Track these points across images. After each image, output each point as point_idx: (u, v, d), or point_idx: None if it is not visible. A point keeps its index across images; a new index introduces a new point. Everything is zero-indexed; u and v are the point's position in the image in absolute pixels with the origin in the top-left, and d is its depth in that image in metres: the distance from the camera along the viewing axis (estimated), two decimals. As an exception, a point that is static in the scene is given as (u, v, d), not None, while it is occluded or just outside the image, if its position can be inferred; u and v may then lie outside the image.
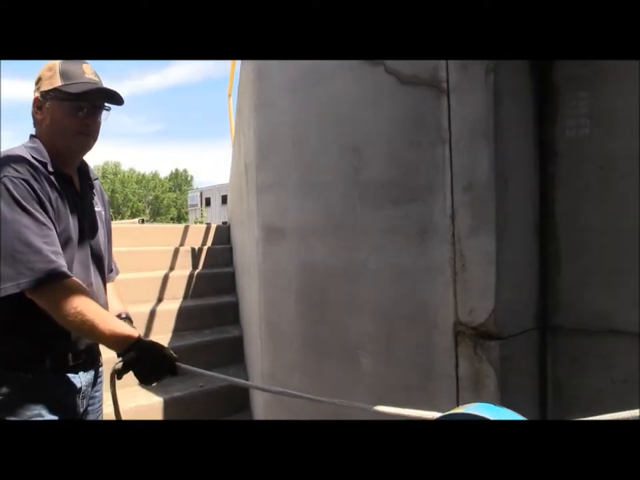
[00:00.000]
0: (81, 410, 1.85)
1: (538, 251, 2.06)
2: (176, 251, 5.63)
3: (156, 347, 1.74)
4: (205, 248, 5.94)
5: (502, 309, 1.86)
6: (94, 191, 2.01)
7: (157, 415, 3.74)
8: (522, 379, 1.95)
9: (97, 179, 2.07)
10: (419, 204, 2.04)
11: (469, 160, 1.90)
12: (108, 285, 2.05)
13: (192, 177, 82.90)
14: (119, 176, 71.79)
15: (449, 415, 1.26)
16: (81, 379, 1.83)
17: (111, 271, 2.13)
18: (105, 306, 1.91)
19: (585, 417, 1.21)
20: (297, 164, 2.64)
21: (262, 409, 3.25)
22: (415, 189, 2.06)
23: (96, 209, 1.98)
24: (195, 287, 5.30)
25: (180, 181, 79.69)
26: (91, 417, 1.91)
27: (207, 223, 6.95)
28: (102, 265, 1.97)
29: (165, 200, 73.86)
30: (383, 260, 2.16)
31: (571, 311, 2.00)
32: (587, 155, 1.97)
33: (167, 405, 3.82)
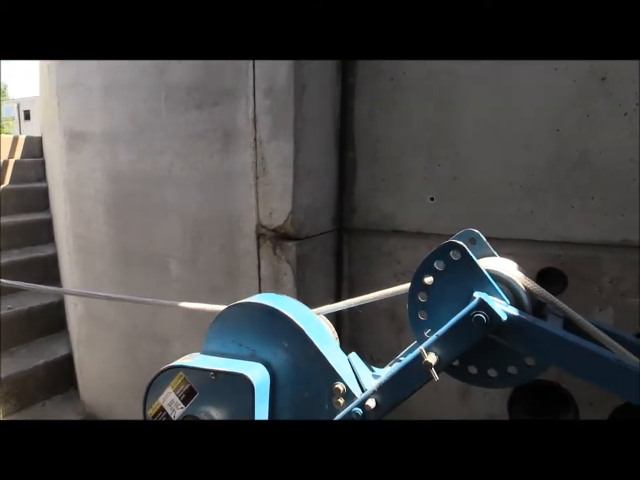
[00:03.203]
0: None
1: (337, 158, 2.18)
2: (-26, 164, 4.96)
3: None
4: (12, 161, 5.31)
5: (300, 211, 1.96)
6: None
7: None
8: (319, 276, 2.12)
9: None
10: (222, 108, 2.02)
11: (270, 64, 1.91)
12: None
13: (6, 86, 72.52)
14: None
15: (235, 304, 1.34)
16: None
17: None
18: None
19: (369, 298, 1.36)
20: (100, 62, 2.43)
21: (76, 325, 3.13)
22: (219, 93, 2.03)
23: None
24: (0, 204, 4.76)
25: (-10, 89, 69.26)
26: None
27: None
28: None
29: (-29, 111, 63.98)
30: (188, 165, 2.13)
31: (364, 214, 2.19)
32: (381, 67, 2.09)
33: (-30, 330, 3.49)
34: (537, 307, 1.16)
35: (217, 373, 1.24)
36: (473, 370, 1.14)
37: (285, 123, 1.89)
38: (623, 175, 1.87)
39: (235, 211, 2.04)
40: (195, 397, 1.25)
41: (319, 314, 1.40)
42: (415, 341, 1.24)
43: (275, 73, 1.89)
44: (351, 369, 1.28)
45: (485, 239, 1.25)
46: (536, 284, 1.12)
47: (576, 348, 1.00)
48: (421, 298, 1.16)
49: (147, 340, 2.51)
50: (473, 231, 1.26)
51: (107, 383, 2.83)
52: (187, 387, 1.26)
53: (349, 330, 2.32)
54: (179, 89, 2.13)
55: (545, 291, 1.11)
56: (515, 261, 1.23)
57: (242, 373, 1.22)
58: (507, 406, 2.12)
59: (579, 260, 1.94)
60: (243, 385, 1.21)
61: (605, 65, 1.85)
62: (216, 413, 1.25)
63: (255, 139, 1.95)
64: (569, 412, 2.10)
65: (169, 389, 1.27)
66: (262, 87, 1.92)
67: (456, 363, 1.12)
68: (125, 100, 2.35)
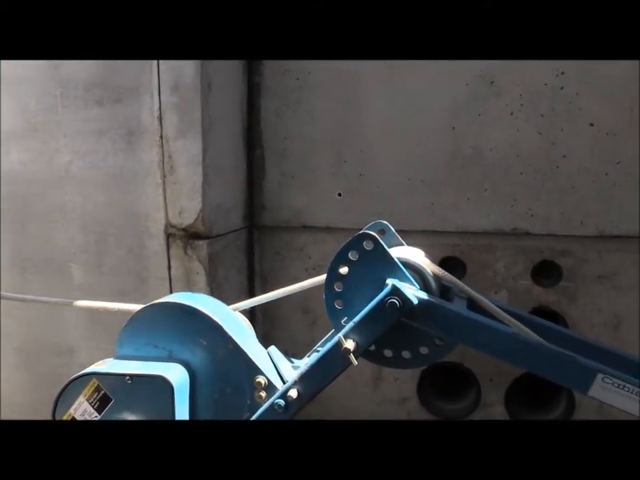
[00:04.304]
0: None
1: (246, 156, 2.19)
2: None
3: None
4: None
5: (210, 210, 1.95)
6: None
7: None
8: (231, 274, 2.12)
9: None
10: (125, 104, 1.96)
11: (176, 61, 1.88)
12: None
13: None
14: None
15: (149, 304, 1.31)
16: None
17: None
18: None
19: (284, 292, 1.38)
20: (-16, 55, 2.26)
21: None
22: (121, 89, 1.96)
23: None
24: None
25: None
26: None
27: None
28: None
29: None
30: (88, 164, 2.04)
31: (274, 211, 2.22)
32: (287, 66, 2.13)
33: None
34: (443, 290, 1.25)
35: (132, 376, 1.22)
36: (388, 353, 1.20)
37: (192, 120, 1.87)
38: (511, 169, 2.05)
39: (142, 211, 1.99)
40: (110, 404, 1.22)
41: (235, 310, 1.40)
42: (332, 331, 1.29)
43: (181, 69, 1.87)
44: (271, 362, 1.30)
45: (393, 230, 1.32)
46: (442, 269, 1.20)
47: (479, 325, 1.09)
48: (337, 288, 1.21)
49: (48, 352, 2.37)
50: (383, 223, 1.32)
51: (3, 402, 2.63)
52: (100, 394, 1.22)
53: (263, 326, 2.33)
54: (77, 84, 2.03)
55: (450, 275, 1.20)
56: (419, 250, 1.31)
57: (160, 374, 1.20)
58: (416, 388, 2.24)
59: (476, 248, 2.10)
60: (161, 386, 1.20)
61: (494, 69, 2.01)
62: (133, 418, 1.22)
63: (161, 137, 1.91)
64: (471, 388, 2.26)
65: (81, 398, 1.22)
66: (167, 83, 1.89)
67: (372, 347, 1.18)
68: (15, 96, 2.19)
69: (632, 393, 1.03)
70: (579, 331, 1.98)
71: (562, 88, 1.98)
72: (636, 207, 1.98)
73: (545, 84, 1.99)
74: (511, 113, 2.02)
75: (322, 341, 1.41)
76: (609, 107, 1.96)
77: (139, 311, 1.31)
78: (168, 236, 1.97)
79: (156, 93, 1.90)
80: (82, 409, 1.22)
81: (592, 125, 1.98)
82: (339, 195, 2.15)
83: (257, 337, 1.36)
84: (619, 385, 1.03)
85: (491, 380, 2.18)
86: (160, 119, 1.90)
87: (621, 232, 2.01)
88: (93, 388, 1.22)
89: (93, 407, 1.22)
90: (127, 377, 1.22)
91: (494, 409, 2.21)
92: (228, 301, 1.41)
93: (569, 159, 2.01)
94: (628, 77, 1.94)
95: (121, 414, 1.22)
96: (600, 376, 1.04)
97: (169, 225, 1.96)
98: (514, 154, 2.03)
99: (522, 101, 2.01)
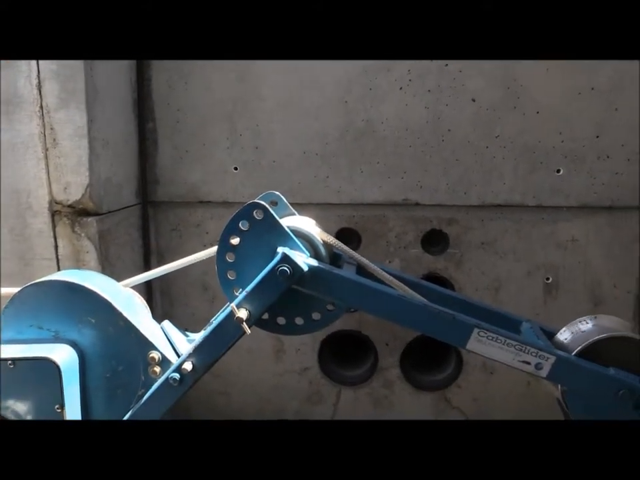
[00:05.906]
0: None
1: (136, 128, 2.10)
2: None
3: None
4: None
5: (99, 185, 1.86)
6: None
7: None
8: (125, 252, 2.04)
9: None
10: (-2, 71, 1.80)
11: (54, 25, 1.76)
12: None
13: None
14: None
15: (30, 284, 1.24)
16: None
17: None
18: None
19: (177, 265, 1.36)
20: None
21: None
22: (-8, 55, 1.80)
23: None
24: None
25: None
26: None
27: None
28: None
29: None
30: (-42, 137, 1.87)
31: (169, 186, 2.16)
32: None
33: None
34: (334, 257, 1.29)
35: (15, 360, 1.16)
36: (281, 321, 1.23)
37: (75, 89, 1.76)
38: (401, 142, 2.13)
39: (22, 187, 1.85)
40: (-9, 392, 1.15)
41: (126, 286, 1.36)
42: (227, 304, 1.29)
43: (59, 35, 1.74)
44: (165, 337, 1.28)
45: (285, 200, 1.34)
46: (332, 237, 1.24)
47: (366, 289, 1.14)
48: (229, 258, 1.21)
49: None
50: (274, 193, 1.34)
51: None
52: (-21, 382, 1.15)
53: (161, 304, 2.28)
54: (-61, 49, 1.84)
55: (339, 242, 1.24)
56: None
57: (45, 356, 1.16)
58: (317, 358, 2.30)
59: (370, 219, 2.18)
60: (47, 369, 1.16)
61: (382, 43, 2.06)
62: (19, 405, 1.17)
63: (42, 107, 1.79)
64: (369, 354, 2.36)
65: (-43, 389, 1.15)
66: (45, 50, 1.76)
67: (266, 316, 1.20)
68: None
69: (503, 344, 1.13)
70: (464, 294, 2.12)
71: (446, 65, 2.08)
72: (512, 178, 2.14)
73: (431, 60, 2.08)
74: (400, 88, 2.09)
75: (217, 314, 1.40)
76: (488, 84, 2.09)
77: (19, 291, 1.24)
78: (53, 213, 1.86)
79: (33, 59, 1.77)
80: (-41, 400, 1.15)
81: (474, 100, 2.10)
82: (235, 169, 2.14)
83: (156, 315, 1.34)
84: (492, 337, 1.13)
85: (387, 345, 2.29)
86: (39, 87, 1.77)
87: (499, 201, 2.16)
88: (-30, 377, 1.15)
89: (-29, 396, 1.15)
90: (9, 362, 1.16)
91: (390, 372, 2.33)
92: (122, 280, 1.37)
93: (454, 133, 2.12)
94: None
95: (4, 401, 1.16)
96: (476, 330, 1.13)
97: (53, 201, 1.85)
98: (403, 127, 2.11)
99: (410, 76, 2.09)
